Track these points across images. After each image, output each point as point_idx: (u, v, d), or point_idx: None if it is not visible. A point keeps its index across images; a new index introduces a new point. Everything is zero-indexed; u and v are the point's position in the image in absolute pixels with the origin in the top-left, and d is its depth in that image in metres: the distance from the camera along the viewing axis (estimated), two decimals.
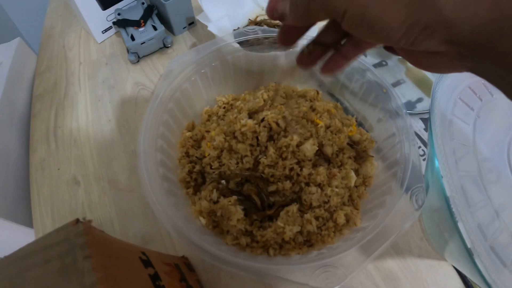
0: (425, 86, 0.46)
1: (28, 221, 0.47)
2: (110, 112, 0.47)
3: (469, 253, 0.29)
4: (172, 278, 0.27)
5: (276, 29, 0.40)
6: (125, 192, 0.40)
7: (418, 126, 0.44)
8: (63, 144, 0.47)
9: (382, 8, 0.16)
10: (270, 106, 0.35)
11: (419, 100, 0.45)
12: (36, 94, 0.54)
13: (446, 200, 0.31)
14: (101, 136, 0.45)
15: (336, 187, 0.33)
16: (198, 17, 0.45)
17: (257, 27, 0.39)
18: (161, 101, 0.34)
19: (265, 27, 0.41)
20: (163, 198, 0.29)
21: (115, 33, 0.57)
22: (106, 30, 0.56)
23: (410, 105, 0.44)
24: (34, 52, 0.63)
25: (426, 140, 0.43)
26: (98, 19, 0.54)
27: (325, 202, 0.32)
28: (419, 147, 0.43)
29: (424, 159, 0.42)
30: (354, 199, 0.35)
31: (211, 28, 0.41)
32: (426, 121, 0.44)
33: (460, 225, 0.30)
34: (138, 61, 0.51)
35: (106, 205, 0.40)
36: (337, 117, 0.39)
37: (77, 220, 0.20)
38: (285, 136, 0.33)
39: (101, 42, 0.57)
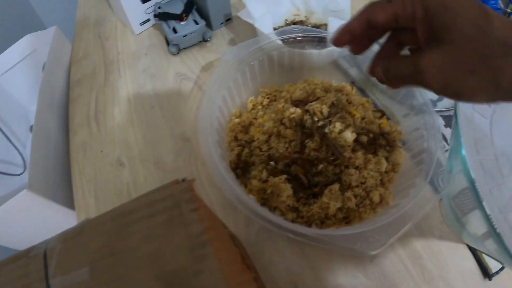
0: None
1: (68, 203, 0.50)
2: (154, 99, 0.50)
3: (494, 230, 0.33)
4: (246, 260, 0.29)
5: (315, 29, 0.44)
6: (172, 173, 0.43)
7: (439, 122, 0.48)
8: (105, 128, 0.49)
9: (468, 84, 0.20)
10: (313, 97, 0.39)
11: (440, 98, 0.49)
12: (74, 80, 0.56)
13: (471, 183, 0.35)
14: (145, 121, 0.48)
15: (371, 170, 0.37)
16: (239, 14, 0.48)
17: (299, 26, 0.43)
18: (217, 87, 0.38)
19: (306, 26, 0.45)
20: (225, 173, 0.32)
21: (153, 25, 0.60)
22: (144, 23, 0.59)
23: (431, 103, 0.48)
24: (69, 41, 0.65)
25: (446, 136, 0.48)
26: (137, 12, 0.57)
27: (362, 183, 0.36)
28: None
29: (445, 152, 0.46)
30: (385, 183, 0.39)
31: (258, 25, 0.44)
32: (446, 118, 0.49)
33: (484, 204, 0.34)
34: (178, 53, 0.54)
35: (152, 185, 0.43)
36: (370, 110, 0.43)
37: (179, 180, 0.23)
38: (329, 124, 0.37)
39: (139, 33, 0.59)
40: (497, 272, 0.37)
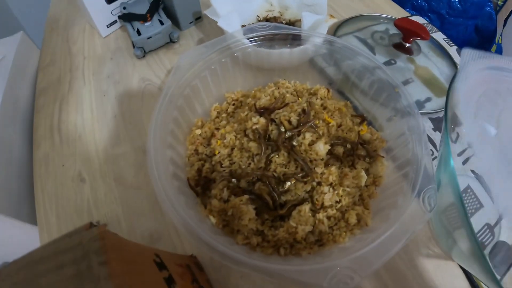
0: (434, 86, 0.46)
1: (32, 219, 0.47)
2: (116, 107, 0.46)
3: (479, 249, 0.29)
4: (185, 280, 0.26)
5: (287, 26, 0.40)
6: (132, 189, 0.40)
7: (427, 126, 0.44)
8: (68, 140, 0.46)
9: None
10: (281, 104, 0.35)
11: (428, 99, 0.44)
12: (40, 88, 0.53)
13: (460, 199, 0.31)
14: (106, 132, 0.45)
15: (348, 186, 0.33)
16: (206, 12, 0.44)
17: (267, 23, 0.38)
18: (171, 98, 0.34)
19: (278, 23, 0.41)
20: (174, 197, 0.29)
21: (120, 27, 0.56)
22: (111, 24, 0.55)
23: (418, 104, 0.44)
24: (37, 46, 0.62)
25: (434, 141, 0.43)
26: (102, 13, 0.53)
27: (337, 202, 0.32)
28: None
29: (433, 159, 0.42)
30: (365, 199, 0.35)
31: (221, 23, 0.40)
32: (435, 121, 0.44)
33: (471, 221, 0.30)
34: (144, 56, 0.50)
35: (112, 202, 0.40)
36: (348, 116, 0.38)
37: (91, 224, 0.20)
38: (298, 135, 0.33)
39: (106, 36, 0.56)
40: None
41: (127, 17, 0.50)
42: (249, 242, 0.31)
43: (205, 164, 0.35)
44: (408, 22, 0.44)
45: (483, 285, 0.36)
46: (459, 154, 0.44)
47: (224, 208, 0.32)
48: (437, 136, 0.43)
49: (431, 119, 0.44)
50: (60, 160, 0.45)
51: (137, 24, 0.49)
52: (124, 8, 0.51)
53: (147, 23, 0.48)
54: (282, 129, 0.33)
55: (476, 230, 0.40)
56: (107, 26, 0.54)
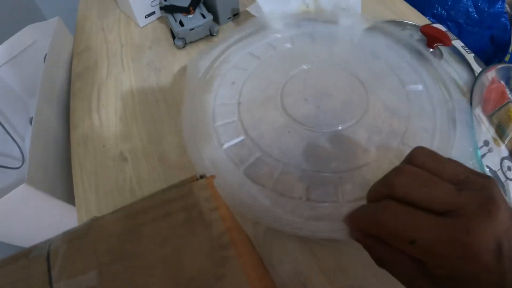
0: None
1: (67, 197, 0.48)
2: (158, 93, 0.48)
3: None
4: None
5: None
6: (177, 169, 0.42)
7: None
8: (108, 122, 0.48)
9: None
10: None
11: None
12: (76, 72, 0.55)
13: None
14: (149, 115, 0.47)
15: None
16: (248, 8, 0.47)
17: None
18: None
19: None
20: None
21: (158, 18, 0.59)
22: (149, 15, 0.57)
23: None
24: (70, 33, 0.64)
25: None
26: (142, 4, 0.56)
27: None
28: None
29: None
30: None
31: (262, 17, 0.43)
32: None
33: None
34: (184, 47, 0.53)
35: (156, 181, 0.42)
36: None
37: (197, 177, 0.21)
38: None
39: (143, 26, 0.58)
40: None
41: (170, 9, 0.52)
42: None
43: None
44: (433, 29, 0.48)
45: None
46: None
47: None
48: None
49: None
50: (100, 141, 0.46)
51: (179, 16, 0.51)
52: (165, 0, 0.54)
53: (190, 16, 0.51)
54: None
55: None
56: (145, 16, 0.57)
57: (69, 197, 0.47)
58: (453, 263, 0.18)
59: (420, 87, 0.42)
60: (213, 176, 0.21)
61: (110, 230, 0.18)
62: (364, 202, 0.23)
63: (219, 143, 0.38)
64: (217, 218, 0.18)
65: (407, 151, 0.22)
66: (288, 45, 0.44)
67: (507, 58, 0.78)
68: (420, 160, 0.21)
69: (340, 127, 0.36)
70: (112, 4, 0.64)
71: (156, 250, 0.16)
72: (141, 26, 0.58)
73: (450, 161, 0.21)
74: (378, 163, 0.34)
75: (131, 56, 0.54)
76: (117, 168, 0.44)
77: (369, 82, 0.40)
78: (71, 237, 0.17)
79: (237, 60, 0.43)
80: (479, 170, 0.28)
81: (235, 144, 0.38)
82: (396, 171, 0.21)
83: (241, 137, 0.38)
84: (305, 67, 0.42)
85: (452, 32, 0.58)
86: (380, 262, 0.22)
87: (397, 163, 0.22)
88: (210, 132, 0.39)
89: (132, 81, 0.51)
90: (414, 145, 0.22)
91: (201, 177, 0.21)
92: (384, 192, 0.21)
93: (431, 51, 0.50)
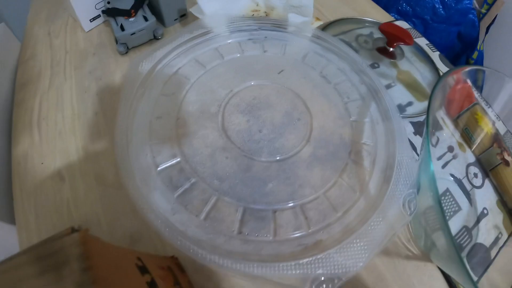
0: (416, 90, 0.46)
1: (8, 217, 0.46)
2: (97, 105, 0.45)
3: (457, 251, 0.30)
4: (167, 283, 0.26)
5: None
6: (113, 189, 0.39)
7: (408, 130, 0.44)
8: (47, 137, 0.45)
9: None
10: None
11: (409, 104, 0.45)
12: (20, 83, 0.52)
13: (439, 202, 0.31)
14: (88, 129, 0.44)
15: None
16: (191, 10, 0.44)
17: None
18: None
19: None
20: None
21: (104, 22, 0.55)
22: (94, 19, 0.54)
23: (400, 108, 0.44)
24: (18, 39, 0.60)
25: (415, 144, 0.44)
26: (86, 7, 0.52)
27: None
28: None
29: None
30: None
31: (205, 21, 0.40)
32: (416, 125, 0.45)
33: (450, 224, 0.31)
34: (127, 52, 0.49)
35: (92, 202, 0.39)
36: None
37: (72, 229, 0.19)
38: None
39: (89, 31, 0.54)
40: None
41: (111, 12, 0.48)
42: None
43: None
44: (393, 27, 0.44)
45: (461, 287, 0.36)
46: (439, 158, 0.44)
47: None
48: (417, 140, 0.44)
49: (412, 123, 0.45)
50: (39, 158, 0.44)
51: (121, 20, 0.48)
52: (108, 2, 0.50)
53: (131, 19, 0.47)
54: None
55: (454, 233, 0.41)
56: (90, 20, 0.53)
57: (12, 217, 0.45)
58: None
59: (359, 102, 0.39)
60: (86, 230, 0.18)
61: None
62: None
63: (153, 163, 0.35)
64: (88, 280, 0.16)
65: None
66: (237, 55, 0.41)
67: (475, 56, 0.75)
68: None
69: (278, 158, 0.33)
70: (62, 7, 0.61)
71: None
72: (86, 30, 0.54)
73: None
74: (317, 199, 0.31)
75: (74, 64, 0.51)
76: (55, 188, 0.41)
77: (313, 105, 0.37)
78: None
79: (181, 67, 0.40)
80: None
81: (171, 166, 0.35)
82: None
83: (177, 159, 0.35)
84: (252, 83, 0.39)
85: (417, 30, 0.54)
86: None
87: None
88: (144, 149, 0.36)
89: (73, 91, 0.48)
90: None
91: (75, 230, 0.19)
92: None
93: (391, 50, 0.47)
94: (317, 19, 0.41)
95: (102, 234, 0.37)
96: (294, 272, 0.26)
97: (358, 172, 0.35)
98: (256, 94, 0.38)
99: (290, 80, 0.38)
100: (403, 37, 0.44)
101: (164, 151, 0.36)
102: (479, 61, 0.74)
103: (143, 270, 0.24)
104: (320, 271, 0.25)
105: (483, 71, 0.49)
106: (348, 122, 0.36)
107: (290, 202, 0.31)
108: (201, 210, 0.31)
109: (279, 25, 0.39)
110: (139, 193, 0.30)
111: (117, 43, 0.49)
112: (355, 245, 0.27)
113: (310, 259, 0.27)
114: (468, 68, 0.53)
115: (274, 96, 0.37)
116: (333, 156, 0.34)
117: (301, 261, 0.26)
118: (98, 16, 0.54)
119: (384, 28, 0.45)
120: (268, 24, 0.39)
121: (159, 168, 0.35)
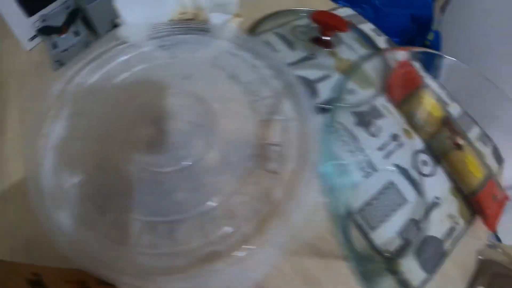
0: (358, 78, 0.44)
1: None
2: None
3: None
4: None
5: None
6: None
7: (350, 121, 0.43)
8: None
9: None
10: None
11: (350, 92, 0.43)
12: None
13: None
14: None
15: None
16: (116, 20, 0.43)
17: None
18: None
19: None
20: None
21: (43, 40, 0.55)
22: (33, 38, 0.53)
23: (338, 98, 0.42)
24: None
25: (357, 136, 0.42)
26: (24, 26, 0.52)
27: None
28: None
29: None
30: None
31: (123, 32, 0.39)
32: (359, 115, 0.43)
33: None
34: None
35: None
36: None
37: None
38: None
39: (30, 49, 0.54)
40: None
41: (45, 30, 0.48)
42: None
43: None
44: (325, 15, 0.42)
45: None
46: (380, 149, 0.43)
47: None
48: (360, 132, 0.42)
49: (355, 113, 0.43)
50: None
51: (54, 37, 0.47)
52: (44, 20, 0.50)
53: (63, 36, 0.47)
54: None
55: (399, 227, 0.40)
56: (28, 40, 0.53)
57: None
58: None
59: (271, 100, 0.37)
60: None
61: None
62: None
63: (58, 184, 0.34)
64: None
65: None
66: (145, 65, 0.40)
67: (430, 37, 0.71)
68: None
69: (181, 167, 0.32)
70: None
71: None
72: (27, 49, 0.54)
73: None
74: (217, 208, 0.30)
75: (15, 87, 0.51)
76: None
77: (219, 108, 0.36)
78: None
79: (92, 83, 0.39)
80: None
81: (74, 185, 0.34)
82: None
83: (82, 177, 0.34)
84: (156, 93, 0.38)
85: (367, 15, 0.52)
86: None
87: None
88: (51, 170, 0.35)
89: (13, 118, 0.47)
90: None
91: None
92: None
93: (327, 39, 0.45)
94: (237, 16, 0.40)
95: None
96: (187, 285, 0.25)
97: (264, 177, 0.33)
98: (160, 104, 0.37)
99: (197, 85, 0.37)
100: (337, 25, 0.42)
101: (70, 170, 0.35)
102: (436, 42, 0.71)
103: (37, 284, 0.23)
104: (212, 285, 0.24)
105: (424, 53, 0.47)
106: (256, 122, 0.34)
107: (190, 212, 0.30)
108: (102, 225, 0.30)
109: (197, 28, 0.38)
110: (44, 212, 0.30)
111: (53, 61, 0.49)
112: (254, 256, 0.26)
113: (204, 271, 0.26)
114: (417, 49, 0.51)
115: (178, 104, 0.36)
116: (238, 161, 0.32)
117: (193, 274, 0.25)
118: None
119: (316, 17, 0.43)
120: (184, 28, 0.38)
121: (65, 186, 0.34)
